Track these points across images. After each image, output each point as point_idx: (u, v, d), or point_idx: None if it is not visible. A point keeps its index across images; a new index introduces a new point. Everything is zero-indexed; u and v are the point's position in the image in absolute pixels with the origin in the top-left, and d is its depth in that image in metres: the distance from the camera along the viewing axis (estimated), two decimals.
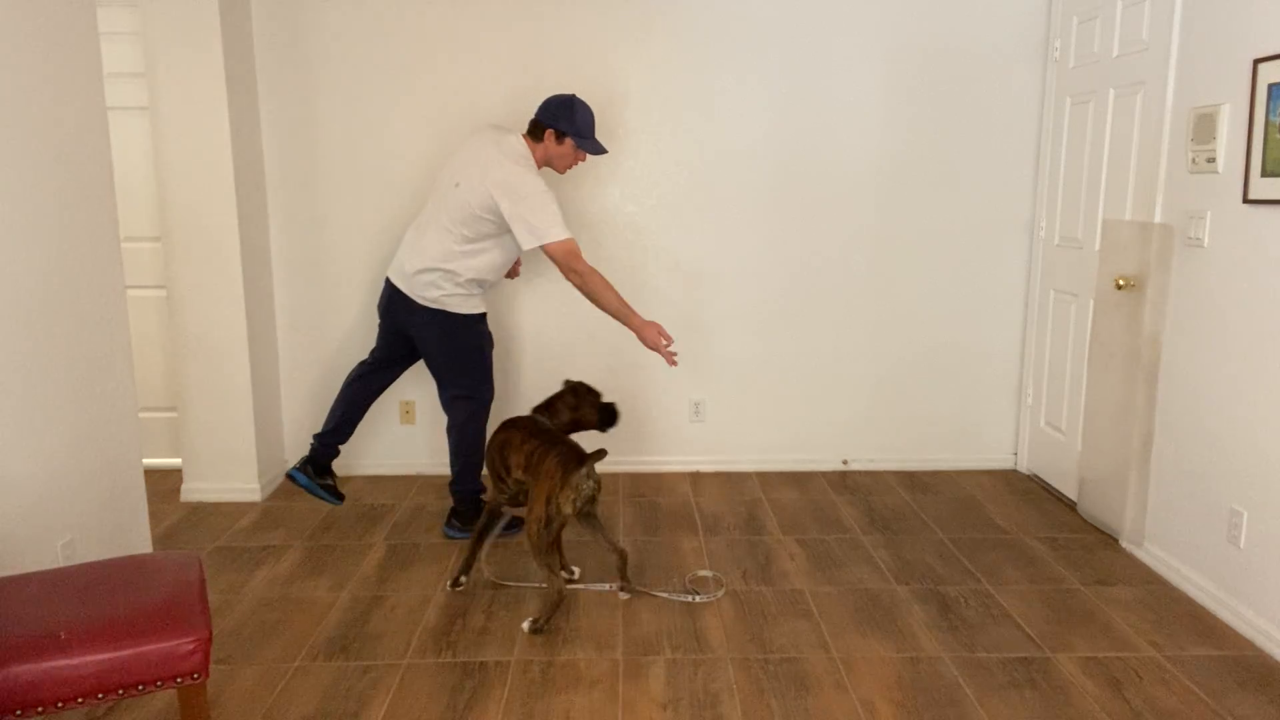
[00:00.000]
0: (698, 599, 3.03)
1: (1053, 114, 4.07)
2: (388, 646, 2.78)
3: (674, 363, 3.22)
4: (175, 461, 4.44)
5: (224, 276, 3.83)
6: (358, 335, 4.24)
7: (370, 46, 4.05)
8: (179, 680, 1.91)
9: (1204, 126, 3.02)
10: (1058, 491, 4.06)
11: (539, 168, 3.34)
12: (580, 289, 3.24)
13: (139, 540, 3.11)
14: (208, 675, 1.94)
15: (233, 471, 4.01)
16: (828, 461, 4.42)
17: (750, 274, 4.26)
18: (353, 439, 4.31)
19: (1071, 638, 2.82)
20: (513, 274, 3.81)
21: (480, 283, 3.38)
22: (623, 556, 3.05)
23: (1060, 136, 4.01)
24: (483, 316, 3.46)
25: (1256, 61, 2.79)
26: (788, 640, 2.80)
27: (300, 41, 4.03)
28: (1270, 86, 2.72)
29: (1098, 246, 3.70)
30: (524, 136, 3.35)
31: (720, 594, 3.06)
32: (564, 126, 3.29)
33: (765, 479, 4.30)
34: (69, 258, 2.74)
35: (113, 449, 2.95)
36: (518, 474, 2.93)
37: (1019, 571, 3.28)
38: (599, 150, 3.39)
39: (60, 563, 2.68)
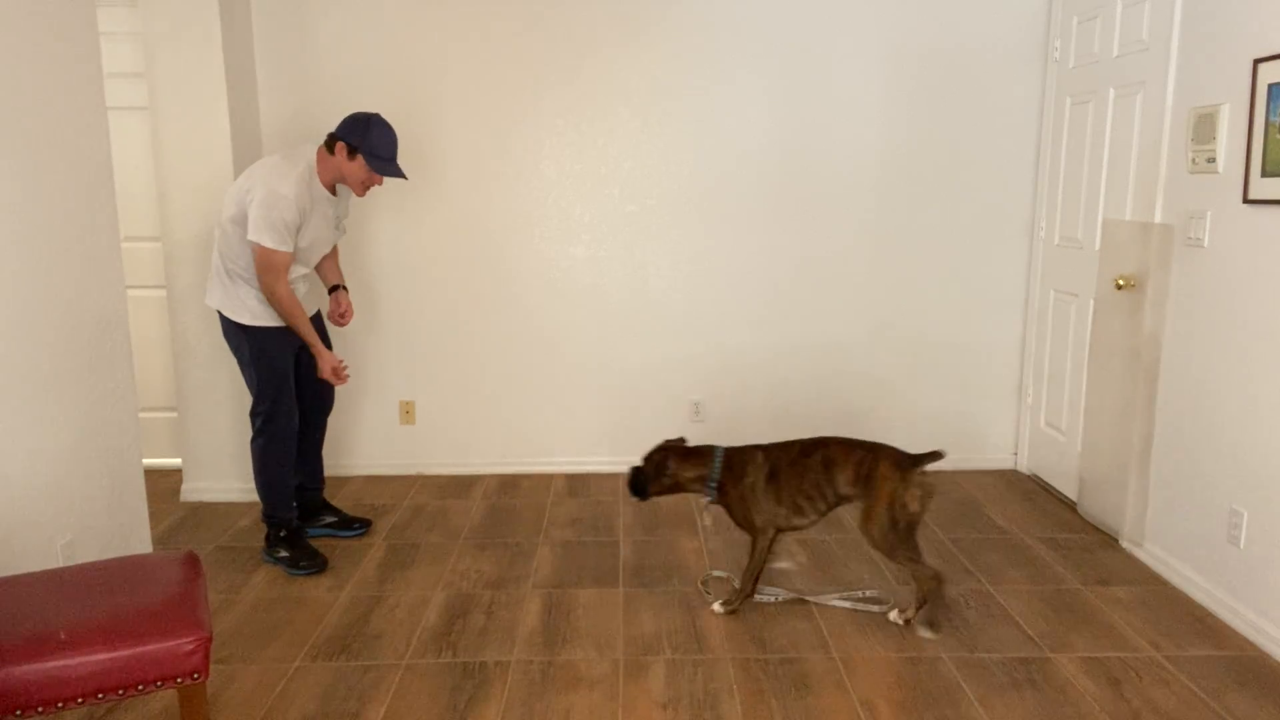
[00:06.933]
0: (894, 616, 2.92)
1: (1053, 114, 4.07)
2: (388, 646, 2.78)
3: (342, 381, 3.35)
4: (175, 461, 4.44)
5: None
6: (356, 333, 4.24)
7: (371, 46, 4.05)
8: (179, 680, 1.91)
9: (1204, 126, 3.02)
10: (1058, 491, 4.06)
11: (328, 182, 3.23)
12: (269, 301, 3.19)
13: (139, 540, 3.11)
14: (208, 675, 1.94)
15: (233, 471, 4.01)
16: None
17: (750, 273, 4.27)
18: (353, 439, 4.33)
19: (1071, 638, 2.81)
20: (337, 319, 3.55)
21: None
22: (939, 579, 2.87)
23: (1060, 137, 4.01)
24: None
25: (1256, 61, 2.79)
26: (788, 640, 2.80)
27: (300, 41, 4.03)
28: (1270, 86, 2.72)
29: (1098, 246, 3.70)
30: (321, 147, 3.22)
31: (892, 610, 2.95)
32: (354, 141, 3.14)
33: None
34: (69, 258, 2.74)
35: (113, 449, 2.95)
36: (846, 490, 2.85)
37: (1019, 571, 3.28)
38: (393, 172, 3.21)
39: (60, 563, 2.68)
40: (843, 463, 2.81)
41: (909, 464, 2.75)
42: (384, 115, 4.07)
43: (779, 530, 2.92)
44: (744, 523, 2.94)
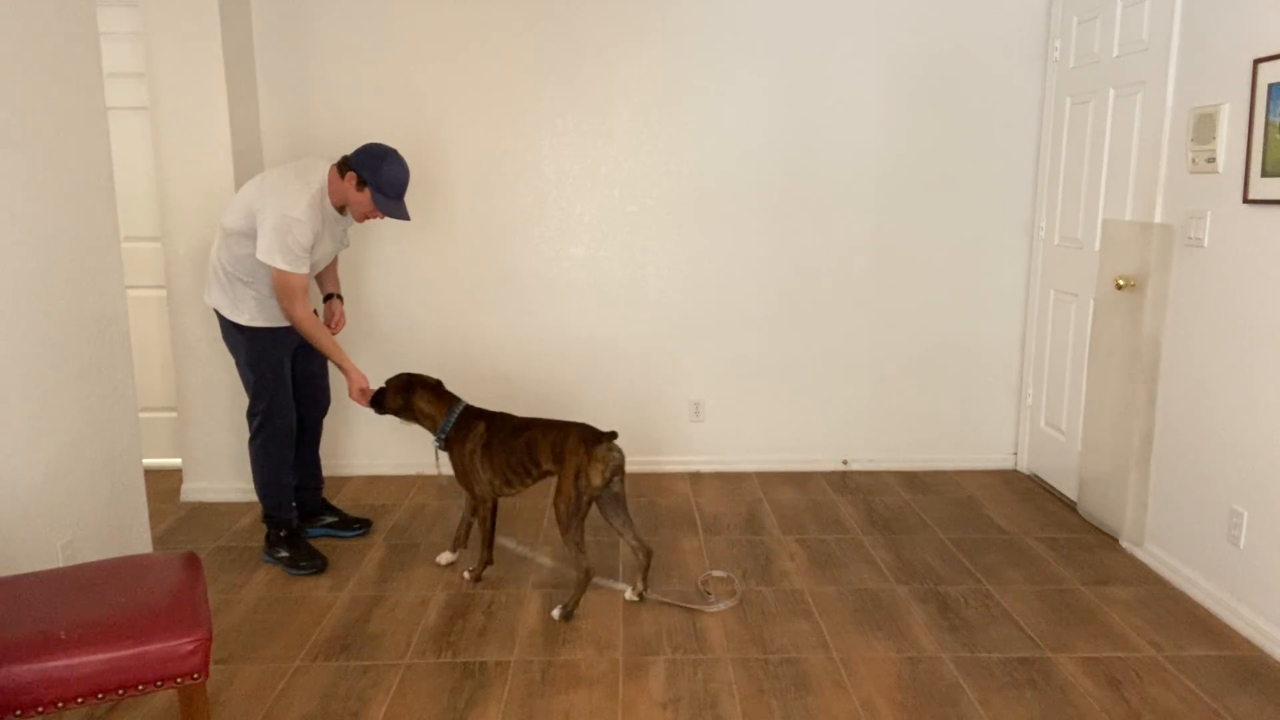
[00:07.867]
0: (720, 607, 3.01)
1: (1053, 114, 4.07)
2: (388, 646, 2.78)
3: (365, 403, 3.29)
4: (175, 461, 4.44)
5: None
6: (355, 333, 4.24)
7: (370, 46, 4.05)
8: (179, 680, 1.91)
9: (1204, 126, 3.02)
10: (1058, 491, 4.06)
11: (338, 203, 3.22)
12: (290, 324, 3.22)
13: (139, 540, 3.11)
14: (208, 675, 1.94)
15: (232, 471, 4.01)
16: (828, 461, 4.42)
17: (750, 274, 4.27)
18: (353, 439, 4.33)
19: (1071, 638, 2.82)
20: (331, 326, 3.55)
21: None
22: (648, 556, 3.07)
23: (1060, 137, 4.01)
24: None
25: (1256, 61, 2.79)
26: (788, 640, 2.80)
27: (300, 41, 4.03)
28: (1270, 86, 2.72)
29: (1098, 246, 3.70)
30: (333, 167, 3.20)
31: (729, 603, 3.03)
32: (365, 175, 3.12)
33: (765, 479, 4.30)
34: (69, 258, 2.74)
35: (113, 449, 2.95)
36: (547, 465, 3.02)
37: (1019, 571, 3.28)
38: (396, 214, 3.18)
39: (60, 563, 2.68)
40: (542, 442, 3.02)
41: (594, 440, 2.94)
42: (382, 115, 4.08)
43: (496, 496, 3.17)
44: (466, 486, 3.16)
